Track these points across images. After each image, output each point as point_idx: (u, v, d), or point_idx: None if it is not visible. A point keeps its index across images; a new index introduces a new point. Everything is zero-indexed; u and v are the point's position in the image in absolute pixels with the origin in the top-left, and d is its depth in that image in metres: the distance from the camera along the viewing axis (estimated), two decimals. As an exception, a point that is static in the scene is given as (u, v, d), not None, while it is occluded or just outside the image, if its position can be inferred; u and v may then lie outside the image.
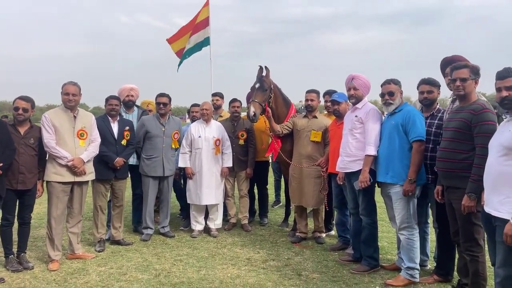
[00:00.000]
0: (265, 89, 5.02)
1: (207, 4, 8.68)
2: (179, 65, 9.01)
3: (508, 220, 2.46)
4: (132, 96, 5.46)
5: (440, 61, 3.96)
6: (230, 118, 5.86)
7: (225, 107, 6.69)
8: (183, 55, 8.81)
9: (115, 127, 4.85)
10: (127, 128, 4.92)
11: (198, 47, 8.75)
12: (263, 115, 5.18)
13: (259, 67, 5.14)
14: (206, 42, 8.71)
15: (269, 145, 5.60)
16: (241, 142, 5.68)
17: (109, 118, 4.84)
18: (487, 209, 2.68)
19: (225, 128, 5.60)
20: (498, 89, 2.66)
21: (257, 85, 5.06)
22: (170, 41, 8.95)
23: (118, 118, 4.90)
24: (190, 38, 8.65)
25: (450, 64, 3.67)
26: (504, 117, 2.83)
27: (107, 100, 4.90)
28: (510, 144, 2.50)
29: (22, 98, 4.10)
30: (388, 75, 4.38)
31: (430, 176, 3.79)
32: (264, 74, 5.10)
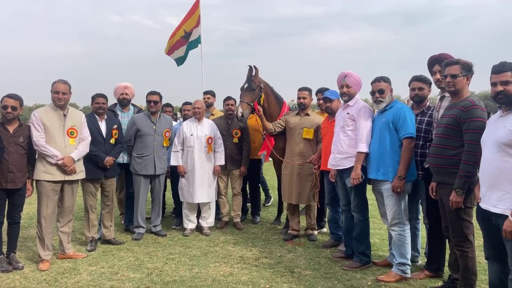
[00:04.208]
0: (253, 89, 5.07)
1: (197, 3, 8.67)
2: (180, 62, 8.98)
3: (507, 216, 2.46)
4: (126, 94, 5.43)
5: (427, 59, 3.98)
6: (224, 116, 5.86)
7: (217, 105, 6.71)
8: (185, 51, 8.80)
9: (103, 125, 4.80)
10: (115, 126, 4.89)
11: (194, 45, 8.75)
12: (255, 114, 5.20)
13: (248, 67, 5.17)
14: (197, 40, 8.72)
15: (261, 144, 5.61)
16: (235, 140, 5.69)
17: (97, 117, 4.80)
18: (483, 205, 2.67)
19: (219, 126, 5.60)
20: (493, 84, 2.62)
21: (245, 86, 5.13)
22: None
23: (105, 117, 4.86)
24: (193, 31, 8.63)
25: (438, 62, 3.70)
26: (492, 114, 2.85)
27: (93, 98, 4.84)
28: (506, 140, 2.49)
29: (10, 96, 4.04)
30: (378, 73, 4.40)
31: (420, 172, 3.82)
32: (253, 73, 5.13)
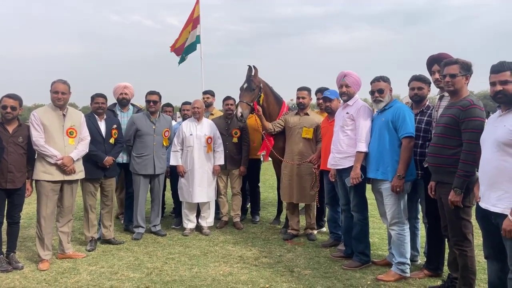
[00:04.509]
0: (252, 89, 5.08)
1: (197, 3, 8.69)
2: (181, 61, 9.00)
3: (507, 215, 2.46)
4: (126, 94, 5.43)
5: (427, 59, 3.98)
6: (224, 116, 5.86)
7: (216, 105, 6.71)
8: (185, 50, 8.80)
9: (102, 125, 4.80)
10: (115, 126, 4.89)
11: (193, 46, 8.76)
12: (254, 114, 5.21)
13: (248, 67, 5.18)
14: (195, 42, 8.74)
15: (261, 143, 5.61)
16: (235, 140, 5.69)
17: (96, 117, 4.80)
18: (483, 205, 2.68)
19: (219, 126, 5.60)
20: (492, 83, 2.62)
21: (244, 85, 5.14)
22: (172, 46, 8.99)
23: (105, 117, 4.86)
24: (191, 33, 8.65)
25: (437, 62, 3.70)
26: (492, 113, 2.86)
27: (92, 98, 4.83)
28: (506, 139, 2.50)
29: (9, 96, 4.04)
30: (378, 73, 4.40)
31: (419, 171, 3.83)
32: (252, 73, 5.14)
